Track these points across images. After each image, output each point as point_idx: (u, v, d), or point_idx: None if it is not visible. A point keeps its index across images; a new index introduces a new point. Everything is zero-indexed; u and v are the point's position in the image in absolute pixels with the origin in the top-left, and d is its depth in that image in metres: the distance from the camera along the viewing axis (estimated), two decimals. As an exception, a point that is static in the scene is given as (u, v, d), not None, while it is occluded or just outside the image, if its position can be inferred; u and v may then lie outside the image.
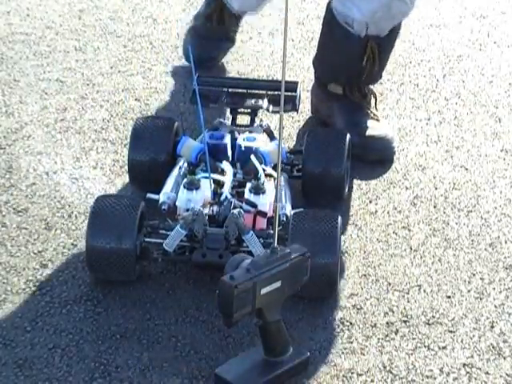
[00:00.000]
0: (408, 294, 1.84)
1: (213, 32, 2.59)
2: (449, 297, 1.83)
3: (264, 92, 2.02)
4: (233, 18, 2.62)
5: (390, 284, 1.87)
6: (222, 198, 1.76)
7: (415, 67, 2.65)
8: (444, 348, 1.70)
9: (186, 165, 1.88)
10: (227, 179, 1.82)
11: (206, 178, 1.78)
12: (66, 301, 1.77)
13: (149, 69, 2.60)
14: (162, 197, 1.82)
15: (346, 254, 1.88)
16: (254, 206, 1.76)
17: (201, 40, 2.55)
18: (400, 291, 1.85)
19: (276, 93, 1.99)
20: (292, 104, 1.98)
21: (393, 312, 1.79)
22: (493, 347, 1.69)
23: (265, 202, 1.79)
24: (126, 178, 2.10)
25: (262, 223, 1.80)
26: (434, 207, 2.11)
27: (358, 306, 1.81)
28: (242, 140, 1.92)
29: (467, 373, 1.64)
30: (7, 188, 2.09)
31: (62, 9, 2.88)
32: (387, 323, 1.76)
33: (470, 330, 1.74)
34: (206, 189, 1.78)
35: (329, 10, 2.30)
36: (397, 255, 1.95)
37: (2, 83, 2.50)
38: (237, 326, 1.55)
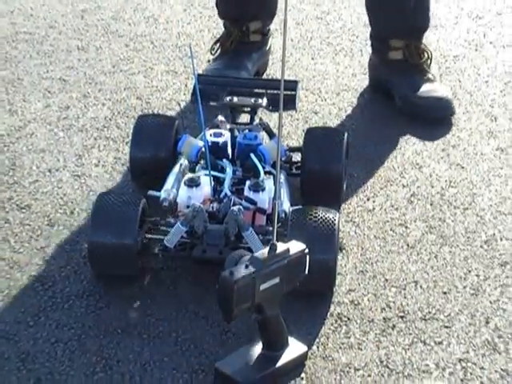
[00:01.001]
0: (405, 289, 1.85)
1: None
2: (445, 293, 1.83)
3: (263, 91, 2.00)
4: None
5: (386, 280, 1.87)
6: (222, 195, 1.78)
7: (412, 67, 2.62)
8: (440, 343, 1.71)
9: (186, 162, 1.88)
10: (227, 176, 1.80)
11: (206, 175, 1.78)
12: (68, 296, 1.78)
13: (150, 68, 2.61)
14: (162, 194, 1.82)
15: (343, 251, 1.87)
16: (253, 203, 1.76)
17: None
18: (397, 287, 1.85)
19: (275, 92, 1.98)
20: (291, 103, 1.98)
21: (390, 308, 1.79)
22: (488, 342, 1.70)
23: (264, 199, 1.79)
24: (127, 176, 2.12)
25: (261, 220, 1.80)
26: (431, 205, 2.12)
27: (356, 302, 1.81)
28: (242, 138, 1.90)
29: (463, 368, 1.65)
30: (10, 185, 2.10)
31: (65, 9, 2.90)
32: (384, 318, 1.76)
33: (466, 326, 1.74)
34: (206, 186, 1.79)
35: None
36: (394, 252, 1.96)
37: (5, 82, 2.52)
38: (236, 321, 1.55)
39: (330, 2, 3.08)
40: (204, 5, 3.04)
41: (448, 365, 1.64)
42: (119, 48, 2.72)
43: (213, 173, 1.82)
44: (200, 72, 2.10)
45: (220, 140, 1.91)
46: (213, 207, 1.76)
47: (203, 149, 1.85)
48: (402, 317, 1.76)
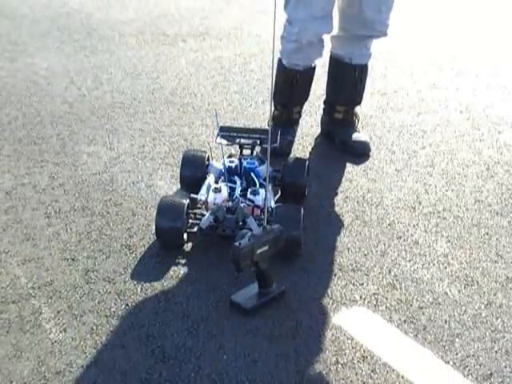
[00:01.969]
0: (342, 253, 1.88)
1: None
2: (365, 255, 1.86)
3: (258, 135, 2.07)
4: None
5: (330, 248, 1.89)
6: (234, 197, 1.87)
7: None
8: (362, 284, 1.75)
9: (213, 178, 1.94)
10: (237, 186, 1.88)
11: (225, 185, 1.84)
12: (147, 256, 1.82)
13: (192, 123, 2.72)
14: (199, 196, 1.91)
15: (306, 230, 1.89)
16: (252, 202, 1.85)
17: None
18: (337, 251, 1.87)
19: (265, 136, 2.04)
20: (275, 142, 2.03)
21: (333, 263, 1.83)
22: (390, 283, 1.74)
23: (259, 200, 1.88)
24: (178, 186, 2.16)
25: (257, 212, 1.87)
26: (357, 203, 2.14)
27: (312, 260, 1.84)
28: (246, 163, 1.97)
29: (375, 298, 1.69)
30: (110, 192, 2.19)
31: (142, 88, 2.99)
32: (330, 270, 1.79)
33: (377, 274, 1.78)
34: (224, 192, 1.88)
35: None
36: (335, 231, 1.97)
37: (108, 131, 2.63)
38: (242, 272, 1.58)
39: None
40: (226, 85, 3.07)
41: (367, 297, 1.70)
42: (173, 111, 2.82)
43: (229, 184, 1.89)
44: (222, 125, 2.15)
45: (233, 164, 1.99)
46: (229, 205, 1.85)
47: (223, 170, 1.89)
48: (340, 269, 1.82)
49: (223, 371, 1.42)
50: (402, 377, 1.43)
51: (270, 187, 1.94)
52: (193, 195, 1.90)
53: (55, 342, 1.49)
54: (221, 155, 1.97)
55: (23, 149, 2.40)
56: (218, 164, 2.01)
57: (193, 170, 2.05)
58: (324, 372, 1.43)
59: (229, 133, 2.09)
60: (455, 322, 1.59)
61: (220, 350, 1.48)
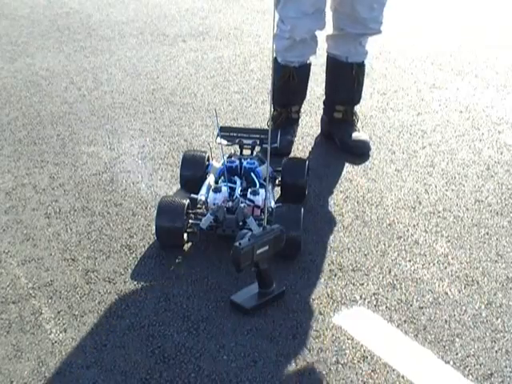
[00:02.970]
0: (342, 253, 1.87)
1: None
2: (365, 255, 1.87)
3: (258, 135, 2.08)
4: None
5: (331, 247, 1.89)
6: (234, 197, 1.87)
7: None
8: (362, 284, 1.75)
9: (213, 178, 1.94)
10: (237, 186, 1.88)
11: (225, 185, 1.84)
12: (146, 256, 1.83)
13: (192, 122, 2.70)
14: (199, 197, 1.90)
15: (306, 231, 1.91)
16: (252, 202, 1.85)
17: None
18: (337, 251, 1.88)
19: (265, 136, 2.05)
20: (274, 142, 2.03)
21: (333, 264, 1.83)
22: (390, 283, 1.74)
23: (259, 200, 1.88)
24: (178, 186, 2.17)
25: (257, 212, 1.87)
26: (357, 203, 2.14)
27: (313, 260, 1.84)
28: (246, 163, 1.97)
29: (375, 298, 1.70)
30: (110, 192, 2.19)
31: (142, 88, 2.99)
32: (330, 270, 1.80)
33: (377, 274, 1.77)
34: (225, 192, 1.87)
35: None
36: (335, 230, 1.97)
37: (108, 131, 2.63)
38: (242, 272, 1.58)
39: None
40: (226, 86, 3.07)
41: (367, 297, 1.71)
42: (173, 111, 2.81)
43: (229, 184, 1.88)
44: (222, 126, 2.16)
45: (233, 164, 1.98)
46: (229, 204, 1.84)
47: (223, 170, 1.90)
48: (340, 269, 1.82)
49: (223, 371, 1.42)
50: (402, 377, 1.43)
51: (269, 187, 1.94)
52: (193, 195, 1.90)
53: (55, 342, 1.49)
54: (221, 155, 1.98)
55: (23, 149, 2.40)
56: (217, 164, 2.01)
57: (193, 170, 2.05)
58: (324, 372, 1.43)
59: (229, 133, 2.10)
60: (455, 321, 1.59)
61: (220, 350, 1.48)
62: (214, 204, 1.82)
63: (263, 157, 2.06)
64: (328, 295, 1.68)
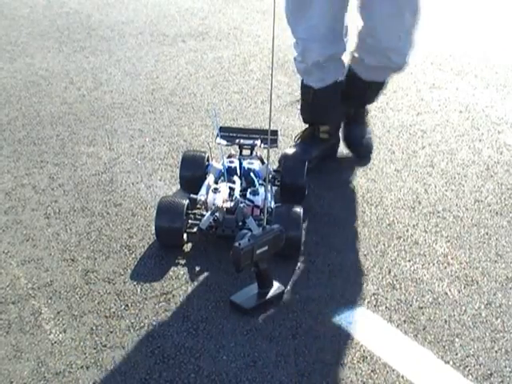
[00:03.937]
0: (341, 252, 1.87)
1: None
2: (365, 255, 1.87)
3: (258, 136, 2.08)
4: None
5: (332, 246, 1.89)
6: (234, 197, 1.87)
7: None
8: (361, 284, 1.74)
9: (212, 178, 1.94)
10: (237, 187, 1.87)
11: (225, 186, 1.84)
12: (145, 256, 1.82)
13: (191, 123, 2.70)
14: (198, 197, 1.89)
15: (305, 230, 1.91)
16: (252, 202, 1.85)
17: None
18: (337, 251, 1.88)
19: (264, 136, 2.05)
20: (274, 143, 2.03)
21: (333, 263, 1.83)
22: (390, 284, 1.74)
23: (259, 200, 1.88)
24: (178, 186, 2.18)
25: (257, 212, 1.88)
26: (358, 203, 2.15)
27: (311, 260, 1.85)
28: (246, 164, 1.97)
29: (375, 298, 1.70)
30: (110, 192, 2.19)
31: (141, 88, 3.00)
32: (329, 271, 1.81)
33: (376, 274, 1.78)
34: (224, 192, 1.86)
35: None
36: (339, 228, 1.97)
37: (108, 131, 2.63)
38: (242, 272, 1.59)
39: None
40: (226, 86, 3.08)
41: (367, 297, 1.70)
42: (173, 111, 2.81)
43: (229, 184, 1.88)
44: (222, 126, 2.16)
45: (232, 165, 2.00)
46: (229, 205, 1.83)
47: (223, 170, 1.90)
48: (340, 269, 1.81)
49: (223, 371, 1.42)
50: (402, 377, 1.43)
51: (269, 187, 1.94)
52: (192, 195, 1.90)
53: (55, 342, 1.49)
54: (220, 155, 1.99)
55: (23, 149, 2.40)
56: (217, 164, 2.01)
57: (192, 171, 2.05)
58: (324, 372, 1.43)
59: (228, 133, 2.10)
60: (455, 321, 1.59)
61: (220, 350, 1.48)
62: (214, 204, 1.82)
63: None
64: (328, 295, 1.68)
